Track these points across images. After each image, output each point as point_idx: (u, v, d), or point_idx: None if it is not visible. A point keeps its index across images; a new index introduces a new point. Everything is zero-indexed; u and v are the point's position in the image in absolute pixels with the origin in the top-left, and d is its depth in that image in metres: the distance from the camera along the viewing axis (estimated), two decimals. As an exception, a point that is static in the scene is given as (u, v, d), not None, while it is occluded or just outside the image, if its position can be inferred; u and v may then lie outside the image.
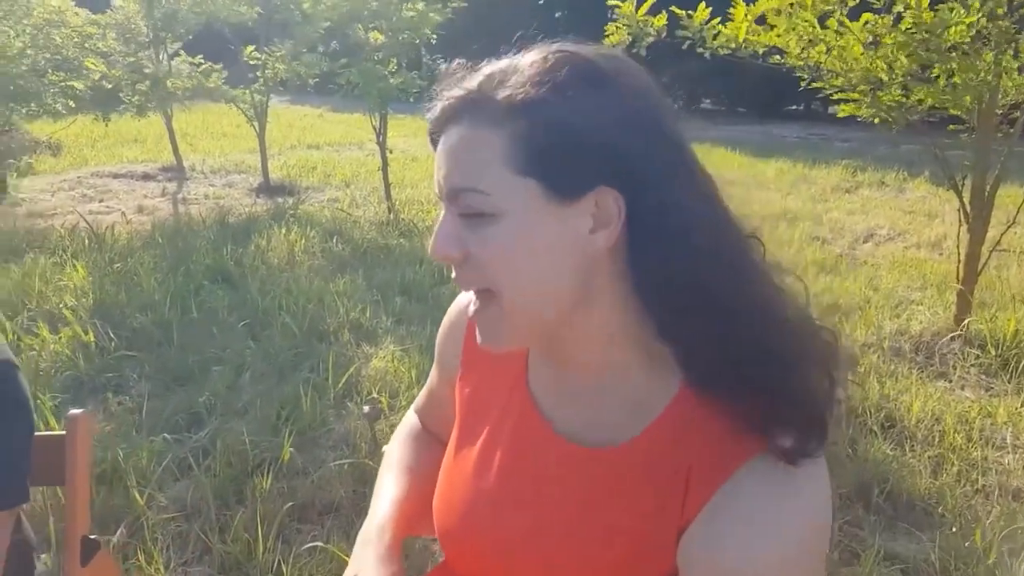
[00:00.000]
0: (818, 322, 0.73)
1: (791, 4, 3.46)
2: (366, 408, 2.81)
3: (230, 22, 6.74)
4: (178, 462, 2.57)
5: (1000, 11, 3.27)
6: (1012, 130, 3.80)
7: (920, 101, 3.64)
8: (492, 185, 0.69)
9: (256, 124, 7.27)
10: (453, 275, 0.74)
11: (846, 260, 5.04)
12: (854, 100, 3.79)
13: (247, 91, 6.92)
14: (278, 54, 6.71)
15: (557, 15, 17.91)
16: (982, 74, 3.30)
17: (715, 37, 3.56)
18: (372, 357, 3.49)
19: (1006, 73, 3.40)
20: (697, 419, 0.72)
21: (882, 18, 3.41)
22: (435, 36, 5.63)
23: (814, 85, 3.69)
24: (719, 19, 3.60)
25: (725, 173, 8.18)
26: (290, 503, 2.35)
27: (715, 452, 0.71)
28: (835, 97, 3.75)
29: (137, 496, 2.28)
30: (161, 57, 7.71)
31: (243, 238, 5.44)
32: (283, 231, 5.46)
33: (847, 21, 3.46)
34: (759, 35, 3.53)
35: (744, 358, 0.70)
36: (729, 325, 0.70)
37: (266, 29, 6.95)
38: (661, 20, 3.60)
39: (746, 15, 3.47)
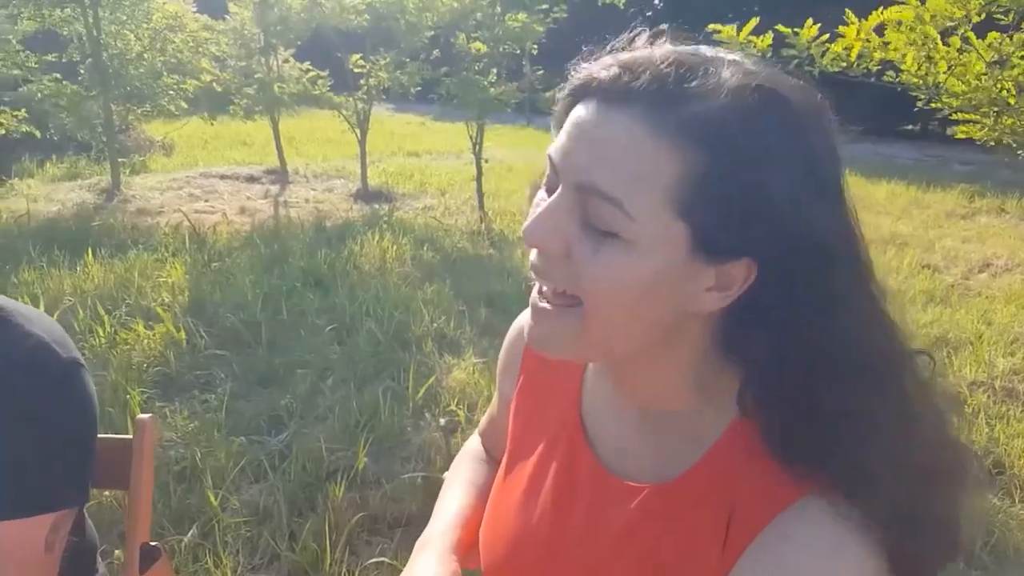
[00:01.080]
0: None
1: (913, 17, 3.26)
2: (443, 421, 2.78)
3: (339, 29, 6.92)
4: (255, 465, 2.60)
5: None
6: None
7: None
8: (642, 212, 0.58)
9: (358, 131, 7.44)
10: (533, 259, 0.65)
11: (958, 291, 4.70)
12: (974, 121, 3.53)
13: (350, 98, 7.09)
14: (382, 63, 6.85)
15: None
16: None
17: (823, 55, 3.37)
18: (453, 368, 3.46)
19: None
20: (747, 453, 0.65)
21: (1010, 36, 3.16)
22: (536, 47, 5.61)
23: (932, 105, 3.44)
24: (827, 36, 3.43)
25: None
26: (361, 514, 2.34)
27: (761, 491, 0.64)
28: (953, 117, 3.49)
29: (211, 497, 2.32)
30: (271, 63, 8.02)
31: (338, 243, 5.55)
32: (376, 237, 5.54)
33: (973, 37, 3.22)
34: (874, 51, 3.32)
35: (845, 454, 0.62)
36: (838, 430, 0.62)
37: (372, 37, 7.10)
38: (767, 40, 3.43)
39: (859, 32, 3.28)
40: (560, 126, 0.65)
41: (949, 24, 3.23)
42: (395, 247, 5.38)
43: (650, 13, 18.17)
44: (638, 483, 0.73)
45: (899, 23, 3.27)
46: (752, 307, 0.61)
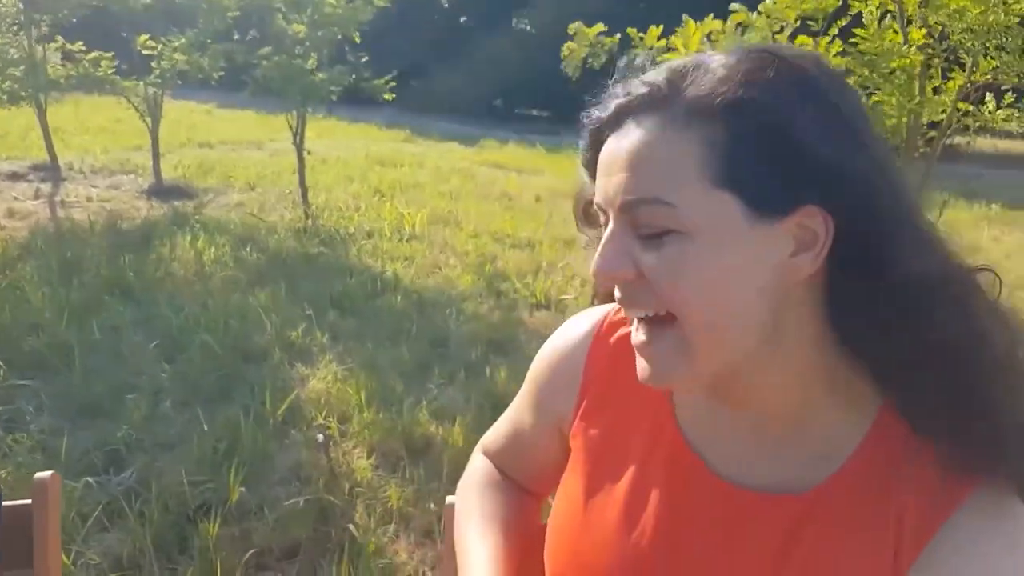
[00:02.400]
0: None
1: (737, 25, 3.50)
2: (320, 437, 2.55)
3: (125, 6, 6.16)
4: (102, 509, 2.22)
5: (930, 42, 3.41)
6: (930, 150, 3.97)
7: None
8: (682, 197, 0.59)
9: (149, 119, 6.71)
10: (617, 295, 0.65)
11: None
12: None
13: (140, 83, 6.36)
14: (176, 43, 6.21)
15: (462, 20, 17.83)
16: (916, 98, 3.42)
17: (666, 52, 3.52)
18: (310, 379, 3.20)
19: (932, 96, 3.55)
20: (899, 458, 0.63)
21: (820, 41, 3.48)
22: (358, 34, 5.34)
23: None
24: (666, 41, 3.59)
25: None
26: (251, 550, 2.07)
27: (928, 494, 0.62)
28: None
29: (63, 556, 1.94)
30: (33, 42, 6.97)
31: (141, 246, 4.96)
32: (188, 238, 5.02)
33: (803, 39, 3.52)
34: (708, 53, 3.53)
35: (968, 393, 0.61)
36: (951, 362, 0.61)
37: (164, 16, 6.41)
38: (614, 39, 3.55)
39: (696, 33, 3.46)
40: (592, 175, 0.69)
41: (771, 32, 3.51)
42: (212, 248, 4.90)
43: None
44: (771, 494, 0.68)
45: (722, 31, 3.50)
46: (842, 273, 0.60)
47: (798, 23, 3.54)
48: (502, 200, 6.86)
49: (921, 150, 3.98)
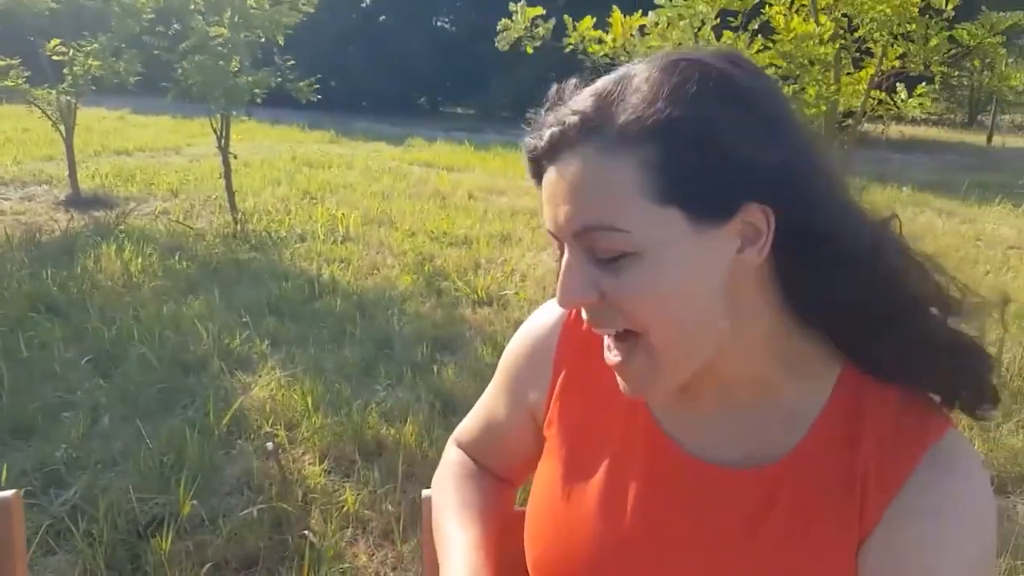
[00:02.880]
0: (956, 292, 0.71)
1: (666, 18, 3.61)
2: (269, 445, 2.52)
3: (30, 11, 5.89)
4: (46, 532, 2.15)
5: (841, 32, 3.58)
6: (847, 137, 4.16)
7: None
8: (631, 221, 0.62)
9: (62, 128, 6.43)
10: (584, 315, 0.69)
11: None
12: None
13: (52, 91, 6.09)
14: (88, 49, 5.97)
15: (381, 19, 17.63)
16: (832, 87, 3.58)
17: (597, 43, 3.59)
18: (252, 386, 3.15)
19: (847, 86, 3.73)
20: (864, 413, 0.69)
21: (740, 36, 3.62)
22: (282, 38, 5.23)
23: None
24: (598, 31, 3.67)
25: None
26: (203, 563, 2.03)
27: (890, 446, 0.68)
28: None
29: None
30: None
31: (63, 259, 4.76)
32: (113, 249, 4.85)
33: (712, 39, 3.64)
34: (635, 45, 3.61)
35: (910, 342, 0.68)
36: (892, 308, 0.68)
37: (73, 21, 6.15)
38: (548, 27, 3.60)
39: (623, 25, 3.55)
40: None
41: (695, 26, 3.62)
42: (139, 258, 4.75)
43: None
44: (744, 468, 0.72)
45: (655, 23, 3.60)
46: (787, 254, 0.66)
47: (718, 20, 3.67)
48: (435, 198, 6.85)
49: (838, 138, 4.18)
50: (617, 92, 0.64)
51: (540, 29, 3.58)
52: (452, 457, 1.04)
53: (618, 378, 0.71)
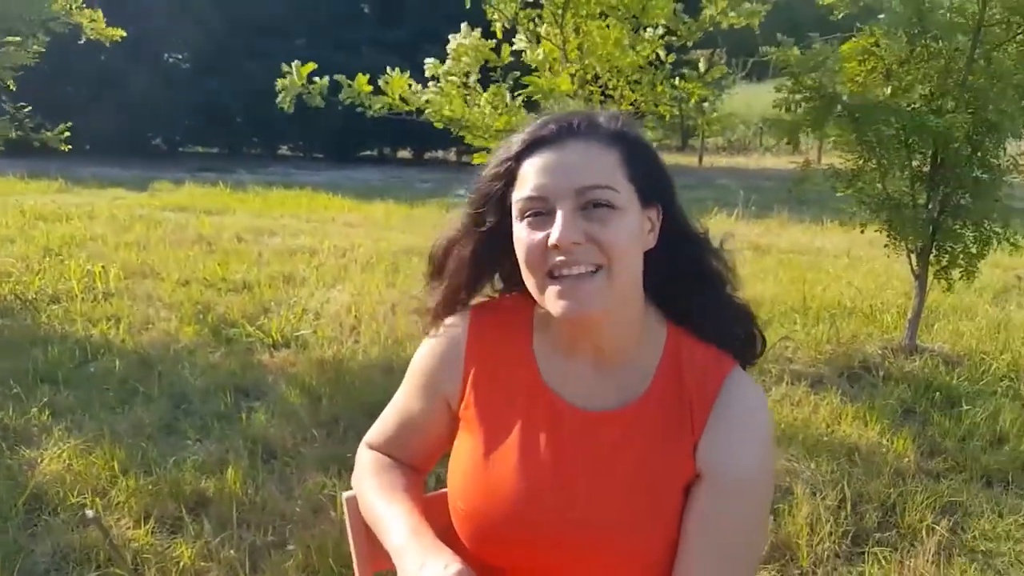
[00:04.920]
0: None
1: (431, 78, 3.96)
2: (89, 512, 2.39)
3: None
4: None
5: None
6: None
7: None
8: (620, 185, 0.97)
9: None
10: (560, 259, 0.95)
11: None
12: (487, 149, 4.38)
13: None
14: None
15: (103, 57, 16.21)
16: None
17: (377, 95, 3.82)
18: (40, 460, 2.91)
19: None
20: (683, 361, 1.05)
21: (501, 86, 4.05)
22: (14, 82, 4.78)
23: (466, 137, 4.13)
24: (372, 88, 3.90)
25: (340, 215, 8.46)
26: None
27: (700, 379, 1.03)
28: (476, 145, 4.24)
29: None
30: None
31: None
32: None
33: (478, 87, 4.05)
34: (413, 98, 3.90)
35: (715, 305, 1.07)
36: (708, 288, 1.08)
37: None
38: (323, 83, 3.77)
39: (400, 82, 3.84)
40: (500, 180, 1.04)
41: (464, 81, 4.00)
42: None
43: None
44: (613, 410, 1.04)
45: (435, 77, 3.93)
46: (664, 243, 1.04)
47: (479, 74, 4.08)
48: (200, 244, 6.58)
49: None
50: (595, 116, 1.02)
51: (316, 86, 3.75)
52: (368, 456, 1.22)
53: (560, 302, 0.96)
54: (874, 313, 4.83)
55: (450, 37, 4.00)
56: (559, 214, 0.95)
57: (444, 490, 1.19)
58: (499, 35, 4.04)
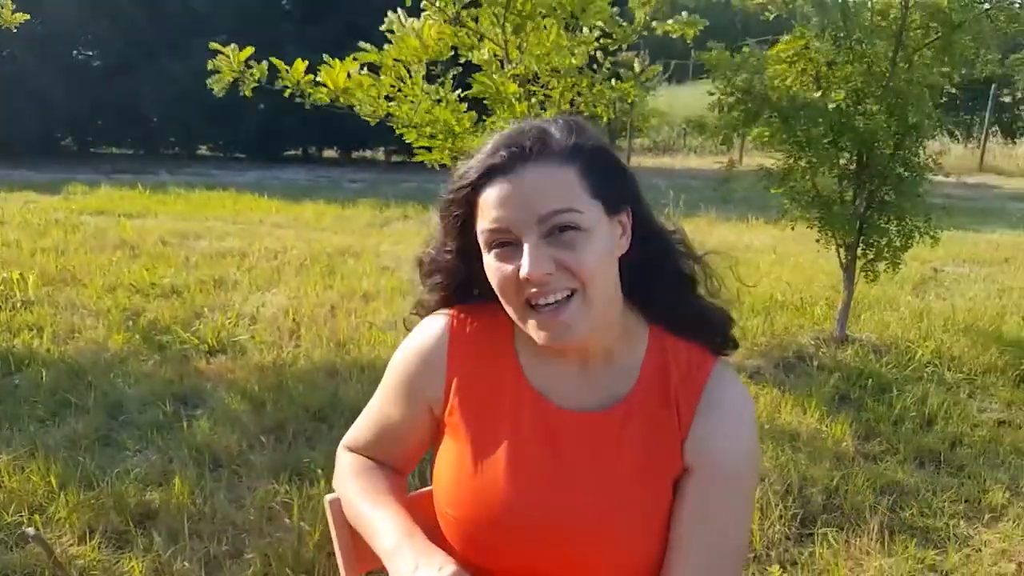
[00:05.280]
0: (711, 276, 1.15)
1: (362, 65, 3.89)
2: (29, 530, 2.26)
3: None
4: None
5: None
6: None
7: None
8: (583, 204, 0.95)
9: None
10: (534, 291, 0.95)
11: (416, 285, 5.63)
12: (427, 148, 4.34)
13: None
14: None
15: (4, 53, 15.33)
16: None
17: (314, 86, 3.72)
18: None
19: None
20: (667, 357, 1.06)
21: (442, 84, 4.02)
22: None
23: (402, 131, 4.07)
24: (313, 76, 3.78)
25: (268, 217, 8.24)
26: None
27: (685, 375, 1.05)
28: (416, 146, 4.19)
29: None
30: None
31: None
32: None
33: (420, 85, 4.00)
34: (355, 90, 3.82)
35: (693, 304, 1.09)
36: (685, 288, 1.09)
37: None
38: (262, 67, 3.64)
39: (341, 71, 3.73)
40: (459, 207, 1.01)
41: (399, 75, 3.94)
42: None
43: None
44: (600, 411, 1.04)
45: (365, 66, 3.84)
46: (637, 247, 1.03)
47: (423, 70, 4.03)
48: (123, 249, 6.30)
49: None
50: (547, 131, 0.97)
51: (255, 71, 3.62)
52: (348, 459, 1.21)
53: (545, 333, 0.96)
54: (804, 306, 5.03)
55: (391, 22, 3.88)
56: (526, 247, 0.93)
57: (427, 489, 1.19)
58: (432, 31, 3.98)
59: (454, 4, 3.73)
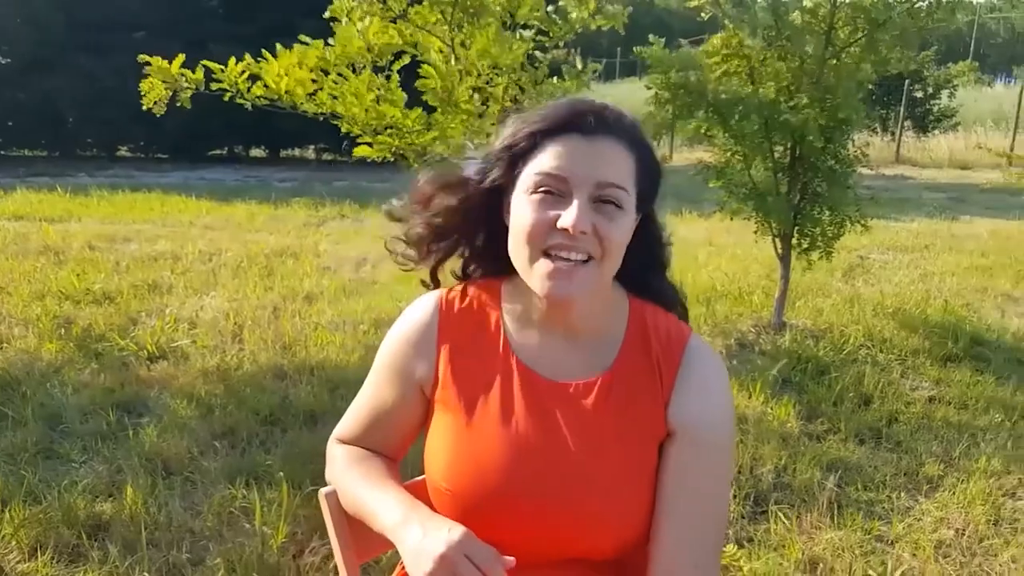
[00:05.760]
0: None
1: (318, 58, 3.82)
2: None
3: None
4: None
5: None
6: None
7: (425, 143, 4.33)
8: (630, 189, 1.05)
9: None
10: (562, 242, 1.01)
11: (360, 283, 5.58)
12: (370, 143, 4.30)
13: None
14: None
15: None
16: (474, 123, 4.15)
17: (250, 89, 3.63)
18: None
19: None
20: (648, 328, 1.14)
21: (387, 78, 3.99)
22: None
23: (347, 129, 4.03)
24: (247, 75, 3.70)
25: (199, 219, 7.99)
26: None
27: (665, 345, 1.13)
28: (360, 142, 4.15)
29: None
30: None
31: None
32: None
33: (365, 83, 3.96)
34: (295, 87, 3.75)
35: (668, 284, 1.22)
36: (663, 270, 1.21)
37: None
38: (199, 74, 3.54)
39: (282, 71, 3.67)
40: (517, 147, 1.06)
41: (339, 71, 3.89)
42: None
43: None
44: (590, 380, 1.10)
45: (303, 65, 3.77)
46: (639, 236, 1.11)
47: (370, 63, 3.99)
48: (47, 255, 6.03)
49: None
50: (623, 115, 1.07)
51: (190, 79, 3.53)
52: (342, 451, 1.23)
53: (555, 286, 1.02)
54: (743, 295, 5.19)
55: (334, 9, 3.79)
56: (575, 201, 1.00)
57: (418, 479, 1.22)
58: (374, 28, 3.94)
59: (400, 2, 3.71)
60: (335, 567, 2.27)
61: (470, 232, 1.16)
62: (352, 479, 1.15)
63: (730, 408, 1.13)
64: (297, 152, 16.22)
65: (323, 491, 1.23)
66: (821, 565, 2.43)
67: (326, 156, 15.66)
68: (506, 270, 1.11)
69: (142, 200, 9.03)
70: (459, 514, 1.05)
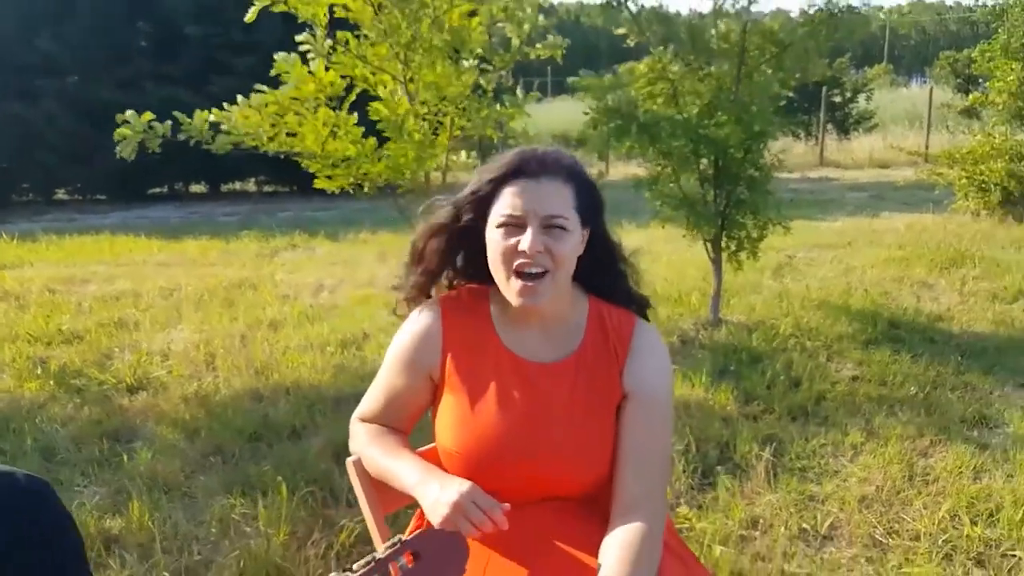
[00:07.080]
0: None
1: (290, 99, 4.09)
2: None
3: None
4: None
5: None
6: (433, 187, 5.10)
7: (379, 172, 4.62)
8: (570, 215, 1.37)
9: None
10: (523, 261, 1.35)
11: (321, 308, 5.81)
12: (329, 176, 4.56)
13: None
14: None
15: None
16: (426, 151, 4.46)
17: (216, 135, 3.88)
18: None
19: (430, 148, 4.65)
20: (604, 317, 1.48)
21: (340, 114, 4.27)
22: None
23: (305, 163, 4.28)
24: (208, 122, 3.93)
25: (151, 256, 8.08)
26: None
27: (618, 328, 1.47)
28: (320, 176, 4.41)
29: None
30: None
31: None
32: None
33: (320, 120, 4.23)
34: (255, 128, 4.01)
35: (623, 287, 1.52)
36: (621, 277, 1.53)
37: None
38: (166, 127, 3.79)
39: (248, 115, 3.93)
40: (483, 192, 1.42)
41: (300, 109, 4.16)
42: None
43: None
44: (558, 361, 1.45)
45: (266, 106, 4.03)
46: (590, 247, 1.45)
47: (321, 102, 4.26)
48: (7, 300, 6.08)
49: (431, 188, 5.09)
50: (560, 157, 1.40)
51: (161, 128, 3.77)
52: (363, 428, 1.56)
53: (522, 295, 1.36)
54: (681, 296, 5.60)
55: (280, 66, 4.05)
56: (529, 230, 1.34)
57: (428, 447, 1.55)
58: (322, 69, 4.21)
59: (361, 45, 4.00)
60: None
61: (452, 260, 1.52)
62: (375, 451, 1.48)
63: (670, 374, 1.49)
64: (239, 185, 16.25)
65: (349, 460, 1.55)
66: (762, 521, 2.80)
67: (267, 188, 15.76)
68: (487, 280, 1.46)
69: (91, 242, 9.07)
70: (466, 471, 1.39)
